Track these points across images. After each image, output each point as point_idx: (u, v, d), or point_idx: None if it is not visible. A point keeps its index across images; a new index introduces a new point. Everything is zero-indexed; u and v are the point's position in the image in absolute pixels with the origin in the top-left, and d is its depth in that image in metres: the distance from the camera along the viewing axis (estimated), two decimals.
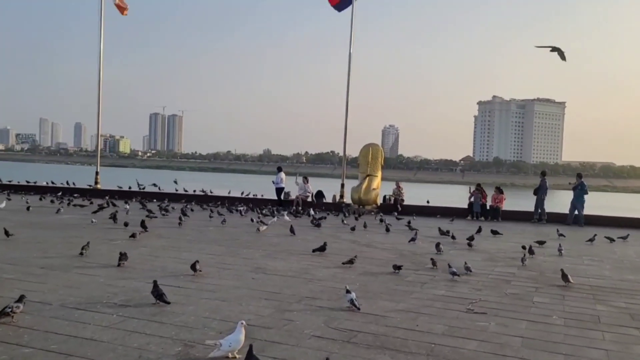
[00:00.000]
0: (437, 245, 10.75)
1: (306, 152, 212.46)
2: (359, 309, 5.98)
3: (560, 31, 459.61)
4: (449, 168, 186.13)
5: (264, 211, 17.76)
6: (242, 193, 23.29)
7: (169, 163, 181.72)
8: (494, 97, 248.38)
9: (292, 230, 12.68)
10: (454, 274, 8.16)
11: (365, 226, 14.73)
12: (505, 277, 8.51)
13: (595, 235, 13.41)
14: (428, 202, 22.12)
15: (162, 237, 11.42)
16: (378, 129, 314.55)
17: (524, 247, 10.73)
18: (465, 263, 8.81)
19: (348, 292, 6.13)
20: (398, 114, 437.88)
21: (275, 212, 17.16)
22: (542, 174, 20.34)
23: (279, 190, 21.09)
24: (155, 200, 20.78)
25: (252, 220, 14.95)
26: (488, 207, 19.21)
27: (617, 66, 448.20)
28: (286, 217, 15.68)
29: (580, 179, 18.86)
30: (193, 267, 7.43)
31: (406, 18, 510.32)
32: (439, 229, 13.66)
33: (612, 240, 13.44)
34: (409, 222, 15.31)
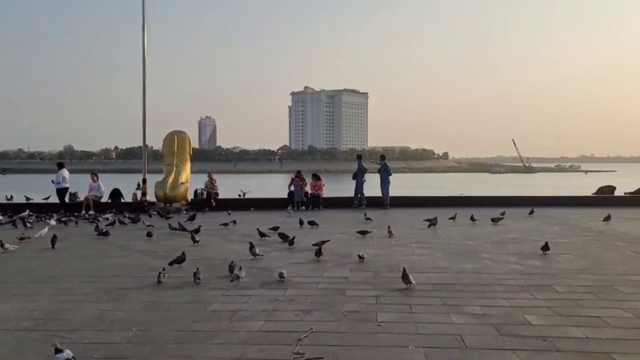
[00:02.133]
0: (251, 247, 8.65)
1: (116, 147, 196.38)
2: None
3: (366, 23, 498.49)
4: (268, 158, 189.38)
5: (28, 219, 13.79)
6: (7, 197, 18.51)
7: None
8: (306, 87, 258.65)
9: (52, 243, 9.57)
10: (237, 277, 6.75)
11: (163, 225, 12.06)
12: (337, 284, 6.77)
13: (504, 213, 13.49)
14: (239, 195, 19.96)
15: None
16: (194, 120, 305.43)
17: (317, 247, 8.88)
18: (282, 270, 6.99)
19: (59, 350, 3.74)
20: (215, 106, 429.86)
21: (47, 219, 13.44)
22: (359, 158, 19.80)
23: (62, 191, 17.08)
24: None
25: None
26: (309, 196, 17.95)
27: (408, 56, 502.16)
28: (52, 223, 11.92)
29: (384, 161, 18.53)
30: None
31: (219, 7, 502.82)
32: (258, 230, 10.99)
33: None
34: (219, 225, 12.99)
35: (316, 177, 18.37)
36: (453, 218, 13.31)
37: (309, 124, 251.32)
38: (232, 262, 7.58)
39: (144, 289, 6.57)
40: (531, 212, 14.64)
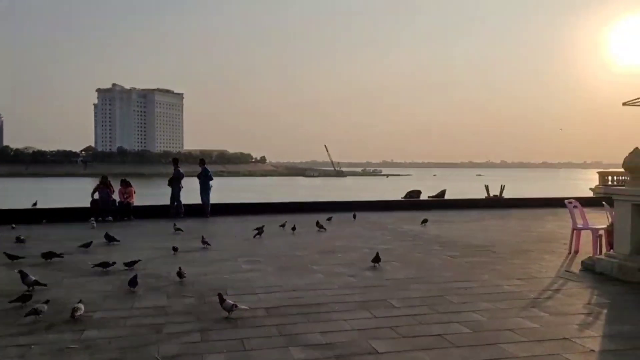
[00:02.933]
0: (23, 275, 6.61)
1: None
2: None
3: (184, 23, 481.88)
4: (70, 160, 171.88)
5: None
6: None
7: None
8: (114, 85, 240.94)
9: None
10: (36, 312, 5.32)
11: None
12: (152, 317, 5.54)
13: (264, 226, 11.69)
14: (34, 205, 16.77)
15: None
16: None
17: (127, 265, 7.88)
18: (79, 302, 5.56)
19: None
20: (2, 101, 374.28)
21: None
22: (175, 162, 18.10)
23: None
24: None
25: None
26: (117, 204, 15.83)
27: (224, 59, 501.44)
28: None
29: (204, 165, 17.29)
30: None
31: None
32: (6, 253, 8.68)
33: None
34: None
35: (125, 183, 16.31)
36: (283, 225, 12.71)
37: (117, 124, 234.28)
38: (28, 290, 5.94)
39: None
40: (354, 217, 14.83)
